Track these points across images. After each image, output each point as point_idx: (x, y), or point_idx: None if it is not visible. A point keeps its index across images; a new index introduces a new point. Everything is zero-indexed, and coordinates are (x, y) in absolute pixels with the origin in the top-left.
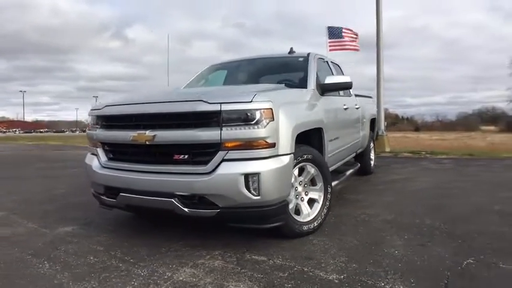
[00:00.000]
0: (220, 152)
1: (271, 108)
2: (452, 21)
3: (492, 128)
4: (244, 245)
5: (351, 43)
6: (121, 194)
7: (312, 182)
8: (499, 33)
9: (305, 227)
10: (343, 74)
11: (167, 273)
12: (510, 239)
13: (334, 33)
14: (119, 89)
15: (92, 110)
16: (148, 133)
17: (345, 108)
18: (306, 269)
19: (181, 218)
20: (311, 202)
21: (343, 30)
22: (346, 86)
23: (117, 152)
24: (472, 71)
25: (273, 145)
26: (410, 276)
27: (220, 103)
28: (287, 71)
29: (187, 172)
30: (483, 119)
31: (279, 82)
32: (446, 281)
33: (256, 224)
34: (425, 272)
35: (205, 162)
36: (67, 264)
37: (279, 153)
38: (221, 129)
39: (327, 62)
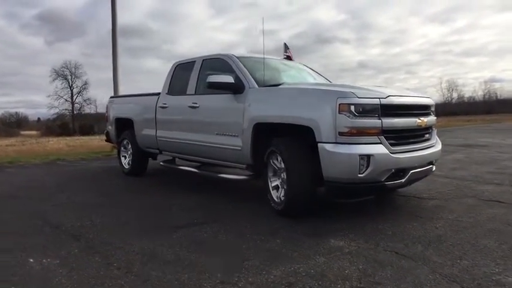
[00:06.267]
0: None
1: None
2: None
3: (34, 132)
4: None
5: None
6: (412, 171)
7: None
8: (14, 40)
9: None
10: None
11: None
12: None
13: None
14: None
15: (366, 97)
16: (423, 119)
17: None
18: None
19: None
20: None
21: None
22: None
23: (400, 136)
24: None
25: None
26: None
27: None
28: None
29: (433, 145)
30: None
31: None
32: None
33: None
34: None
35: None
36: None
37: None
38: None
39: None
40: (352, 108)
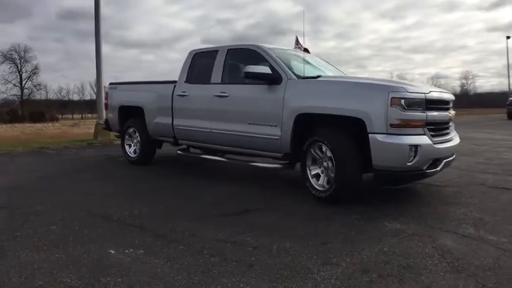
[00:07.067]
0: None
1: None
2: None
3: None
4: None
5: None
6: (444, 161)
7: None
8: None
9: None
10: None
11: None
12: None
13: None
14: None
15: (414, 92)
16: (452, 113)
17: None
18: None
19: None
20: None
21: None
22: None
23: (437, 129)
24: None
25: None
26: None
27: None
28: None
29: (454, 137)
30: None
31: None
32: None
33: None
34: None
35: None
36: None
37: None
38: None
39: None
40: (403, 101)
